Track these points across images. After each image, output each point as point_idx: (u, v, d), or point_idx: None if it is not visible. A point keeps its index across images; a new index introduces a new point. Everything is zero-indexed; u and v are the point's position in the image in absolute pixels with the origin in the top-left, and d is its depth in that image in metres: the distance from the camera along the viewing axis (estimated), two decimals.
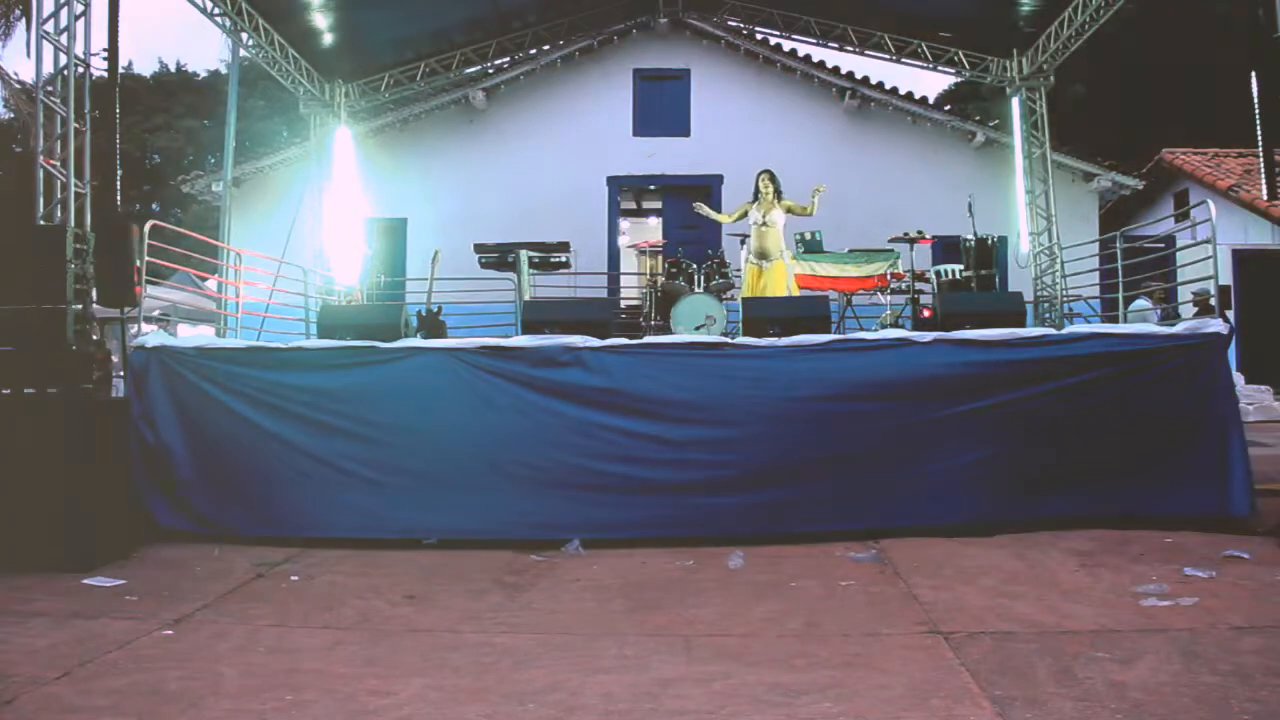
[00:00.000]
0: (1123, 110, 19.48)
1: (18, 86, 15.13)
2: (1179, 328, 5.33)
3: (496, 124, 12.88)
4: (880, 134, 12.72)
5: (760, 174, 8.19)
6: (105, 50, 8.36)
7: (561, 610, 3.87)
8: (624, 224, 14.76)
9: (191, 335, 7.69)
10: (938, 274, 8.60)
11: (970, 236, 8.43)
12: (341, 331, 5.90)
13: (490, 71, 12.68)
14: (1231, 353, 5.27)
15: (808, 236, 9.45)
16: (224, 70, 21.48)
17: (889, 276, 9.08)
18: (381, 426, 5.24)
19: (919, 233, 8.77)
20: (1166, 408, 5.08)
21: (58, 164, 5.38)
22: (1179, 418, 5.08)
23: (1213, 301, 6.43)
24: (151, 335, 5.67)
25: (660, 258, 11.61)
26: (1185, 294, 8.78)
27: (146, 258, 6.19)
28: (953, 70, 11.50)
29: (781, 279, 7.97)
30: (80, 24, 5.46)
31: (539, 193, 12.25)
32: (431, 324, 7.90)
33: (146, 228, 6.24)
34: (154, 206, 25.93)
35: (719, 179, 12.45)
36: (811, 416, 5.14)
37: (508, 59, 12.48)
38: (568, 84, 12.90)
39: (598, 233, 12.62)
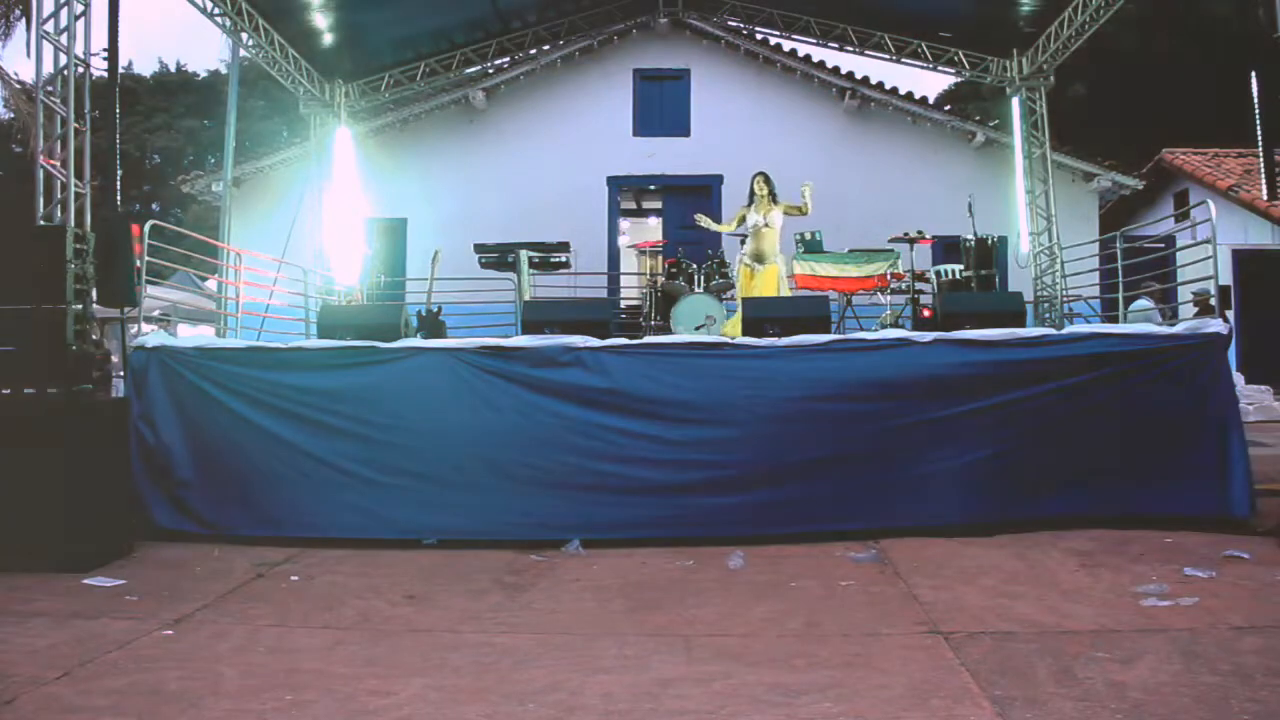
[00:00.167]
0: (1123, 110, 19.48)
1: (18, 86, 15.12)
2: (1179, 328, 5.33)
3: (496, 124, 12.87)
4: (880, 134, 12.72)
5: (755, 176, 8.17)
6: (105, 50, 8.36)
7: (561, 610, 3.87)
8: (624, 224, 14.76)
9: (191, 335, 7.69)
10: (938, 274, 8.60)
11: (970, 236, 8.43)
12: (341, 331, 5.90)
13: (490, 71, 12.68)
14: (1231, 353, 5.27)
15: (808, 236, 9.45)
16: (224, 70, 21.46)
17: (889, 276, 9.07)
18: (381, 426, 5.24)
19: (919, 233, 8.77)
20: (1166, 408, 5.08)
21: (58, 164, 5.38)
22: (1179, 418, 5.08)
23: (1213, 301, 6.43)
24: (151, 335, 5.68)
25: (660, 258, 11.62)
26: (1185, 294, 8.78)
27: (146, 258, 6.20)
28: (953, 70, 11.50)
29: (774, 282, 7.94)
30: (80, 24, 5.46)
31: (539, 193, 12.25)
32: (431, 324, 7.90)
33: (146, 228, 6.25)
34: (154, 206, 25.94)
35: (719, 179, 12.46)
36: (811, 416, 5.14)
37: (508, 59, 12.47)
38: (568, 84, 12.90)
39: (598, 233, 12.62)
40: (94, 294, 5.17)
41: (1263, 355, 11.51)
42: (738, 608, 3.83)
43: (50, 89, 5.43)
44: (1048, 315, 10.32)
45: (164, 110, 27.34)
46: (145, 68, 29.56)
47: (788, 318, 5.88)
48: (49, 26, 5.40)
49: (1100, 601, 3.76)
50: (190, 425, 5.33)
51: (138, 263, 5.96)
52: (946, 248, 10.20)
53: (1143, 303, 9.08)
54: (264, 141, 16.19)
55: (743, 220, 8.21)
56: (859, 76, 12.65)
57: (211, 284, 11.78)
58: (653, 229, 15.02)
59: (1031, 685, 2.84)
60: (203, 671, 3.08)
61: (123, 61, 12.12)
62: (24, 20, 14.73)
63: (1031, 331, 5.38)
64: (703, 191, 12.76)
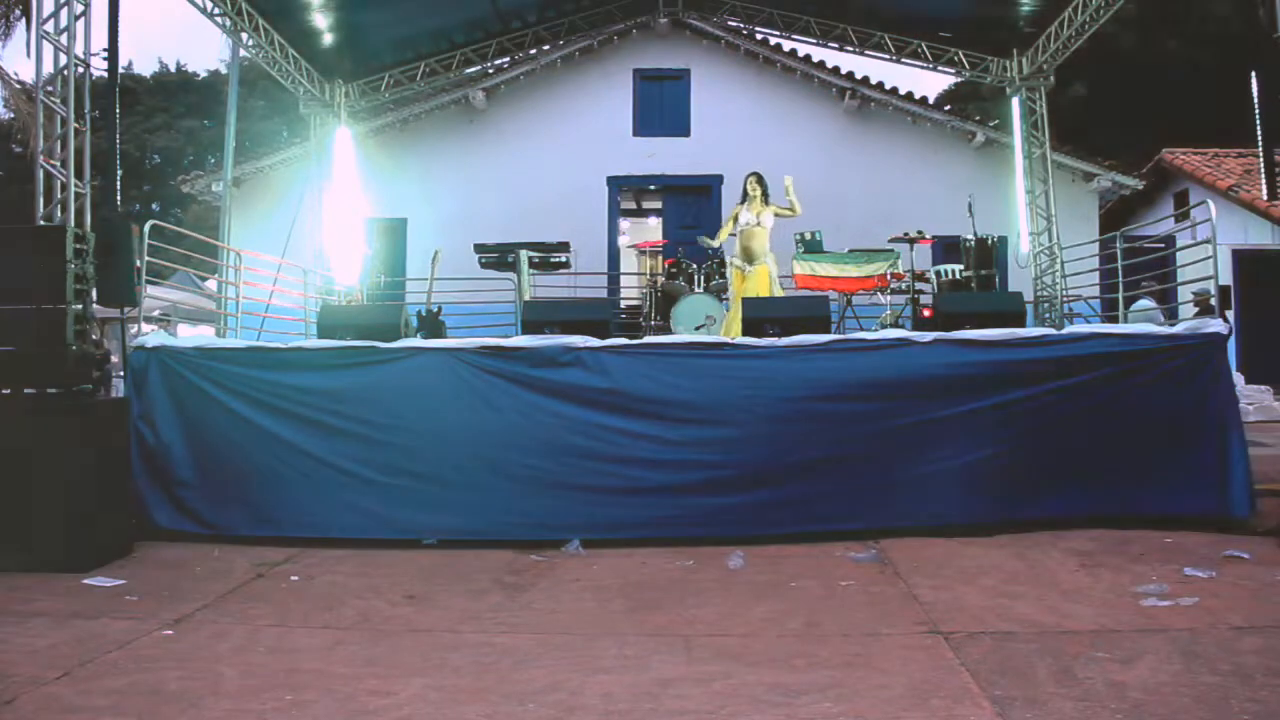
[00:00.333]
0: (1123, 110, 19.49)
1: (18, 86, 15.12)
2: (1179, 328, 5.33)
3: (496, 124, 12.87)
4: (880, 134, 12.71)
5: (749, 176, 8.12)
6: (105, 50, 8.36)
7: (561, 610, 3.87)
8: (624, 224, 14.76)
9: (191, 335, 7.69)
10: (938, 274, 8.60)
11: (970, 236, 8.43)
12: (341, 331, 5.90)
13: (490, 71, 12.68)
14: (1231, 353, 5.27)
15: (808, 236, 9.44)
16: (224, 70, 21.48)
17: (889, 276, 9.07)
18: (381, 426, 5.24)
19: (919, 233, 8.76)
20: (1166, 408, 5.08)
21: (58, 164, 5.38)
22: (1179, 418, 5.08)
23: (1213, 302, 6.43)
24: (151, 335, 5.68)
25: (660, 258, 11.62)
26: (1185, 294, 8.78)
27: (146, 258, 6.20)
28: (953, 70, 11.49)
29: (765, 282, 7.85)
30: (80, 24, 5.46)
31: (539, 193, 12.25)
32: (431, 324, 7.90)
33: (146, 228, 6.25)
34: (154, 206, 25.95)
35: (719, 179, 12.46)
36: (811, 416, 5.14)
37: (508, 59, 12.47)
38: (568, 84, 12.90)
39: (598, 233, 12.61)
40: (94, 294, 5.17)
41: (1263, 355, 11.52)
42: (738, 608, 3.83)
43: (50, 89, 5.43)
44: (1048, 315, 10.32)
45: (164, 110, 27.35)
46: (145, 68, 29.59)
47: (788, 318, 5.88)
48: (49, 26, 5.40)
49: (1100, 601, 3.76)
50: (190, 425, 5.33)
51: (138, 262, 5.97)
52: (946, 248, 10.20)
53: (1145, 303, 9.08)
54: (264, 141, 16.20)
55: (735, 219, 8.13)
56: (859, 76, 12.65)
57: (211, 284, 11.78)
58: (653, 229, 15.02)
59: (1031, 685, 2.85)
60: (203, 671, 3.08)
61: (123, 61, 12.12)
62: (24, 20, 14.72)
63: (1031, 331, 5.38)
64: (703, 191, 12.76)
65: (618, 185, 13.06)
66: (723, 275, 8.42)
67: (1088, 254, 9.79)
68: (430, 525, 5.12)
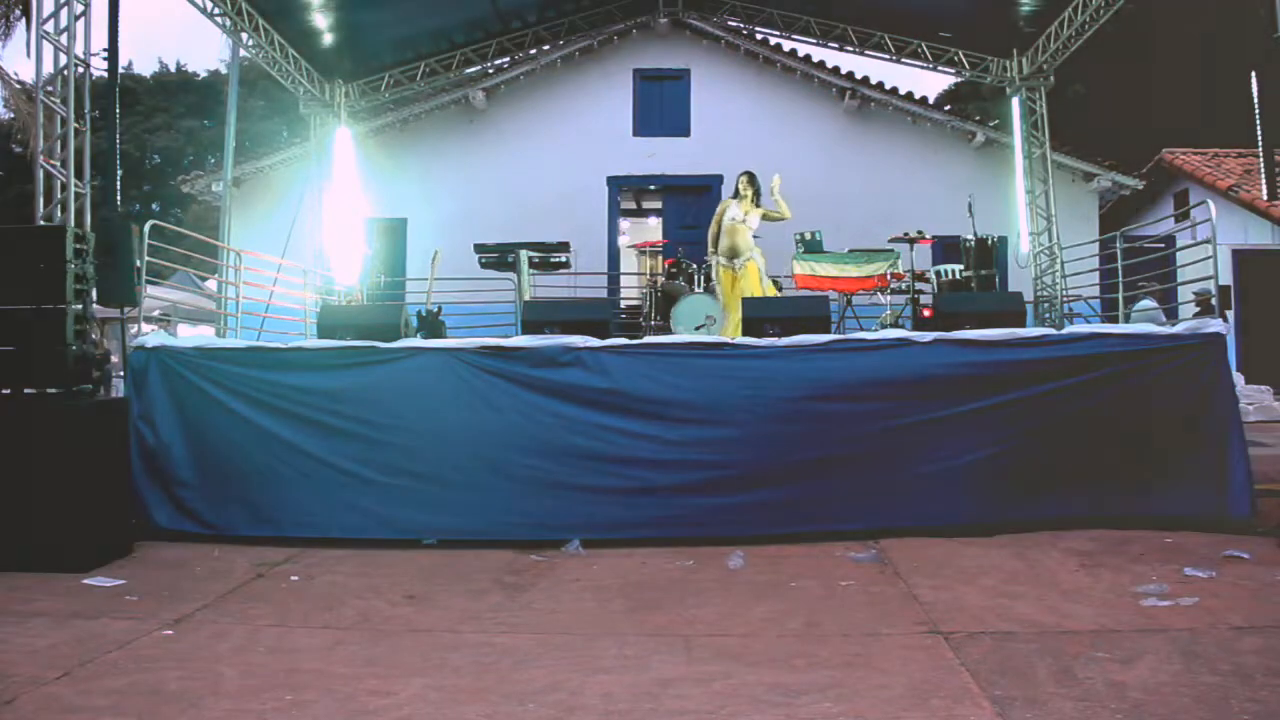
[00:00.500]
0: (1123, 110, 19.48)
1: (18, 86, 15.12)
2: (1179, 328, 5.34)
3: (496, 124, 12.87)
4: (880, 134, 12.71)
5: (741, 175, 7.97)
6: (105, 50, 8.37)
7: (561, 610, 3.87)
8: (624, 224, 14.76)
9: (191, 335, 7.69)
10: (938, 274, 8.60)
11: (970, 236, 8.43)
12: (341, 331, 5.90)
13: (490, 71, 12.68)
14: (1231, 353, 5.27)
15: (808, 236, 9.44)
16: (224, 70, 21.47)
17: (889, 276, 9.07)
18: (381, 426, 5.24)
19: (919, 233, 8.77)
20: (1166, 408, 5.08)
21: (58, 164, 5.38)
22: (1179, 418, 5.08)
23: (1213, 301, 6.43)
24: (151, 335, 5.68)
25: (660, 258, 11.61)
26: (1185, 294, 8.78)
27: (146, 258, 6.20)
28: (953, 70, 11.50)
29: (755, 279, 7.72)
30: (80, 24, 5.46)
31: (539, 193, 12.25)
32: (431, 324, 7.90)
33: (146, 228, 6.25)
34: (154, 206, 25.95)
35: (719, 179, 12.45)
36: (811, 416, 5.14)
37: (508, 59, 12.48)
38: (568, 84, 12.90)
39: (598, 233, 12.61)
40: (94, 294, 5.17)
41: (1263, 355, 11.52)
42: (738, 608, 3.83)
43: (50, 89, 5.43)
44: (1048, 315, 10.33)
45: (164, 110, 27.35)
46: (145, 68, 29.60)
47: (788, 318, 5.88)
48: (49, 26, 5.40)
49: (1100, 601, 3.76)
50: (190, 425, 5.33)
51: (138, 262, 5.97)
52: (946, 248, 10.20)
53: (1147, 302, 9.09)
54: (264, 141, 16.20)
55: (724, 212, 7.93)
56: (859, 76, 12.65)
57: (211, 284, 11.79)
58: (653, 229, 15.01)
59: (1031, 685, 2.84)
60: (203, 671, 3.08)
61: (123, 61, 12.12)
62: (24, 20, 14.72)
63: (1031, 331, 5.38)
64: (703, 191, 12.75)
65: (618, 185, 13.06)
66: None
67: (1088, 254, 9.79)
68: (430, 525, 5.12)
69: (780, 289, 9.02)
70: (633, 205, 15.89)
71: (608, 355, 5.29)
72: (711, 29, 12.75)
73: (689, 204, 12.92)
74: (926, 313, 7.76)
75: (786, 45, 12.57)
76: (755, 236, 9.16)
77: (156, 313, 9.70)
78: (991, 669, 3.00)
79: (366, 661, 3.21)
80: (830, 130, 12.76)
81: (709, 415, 5.17)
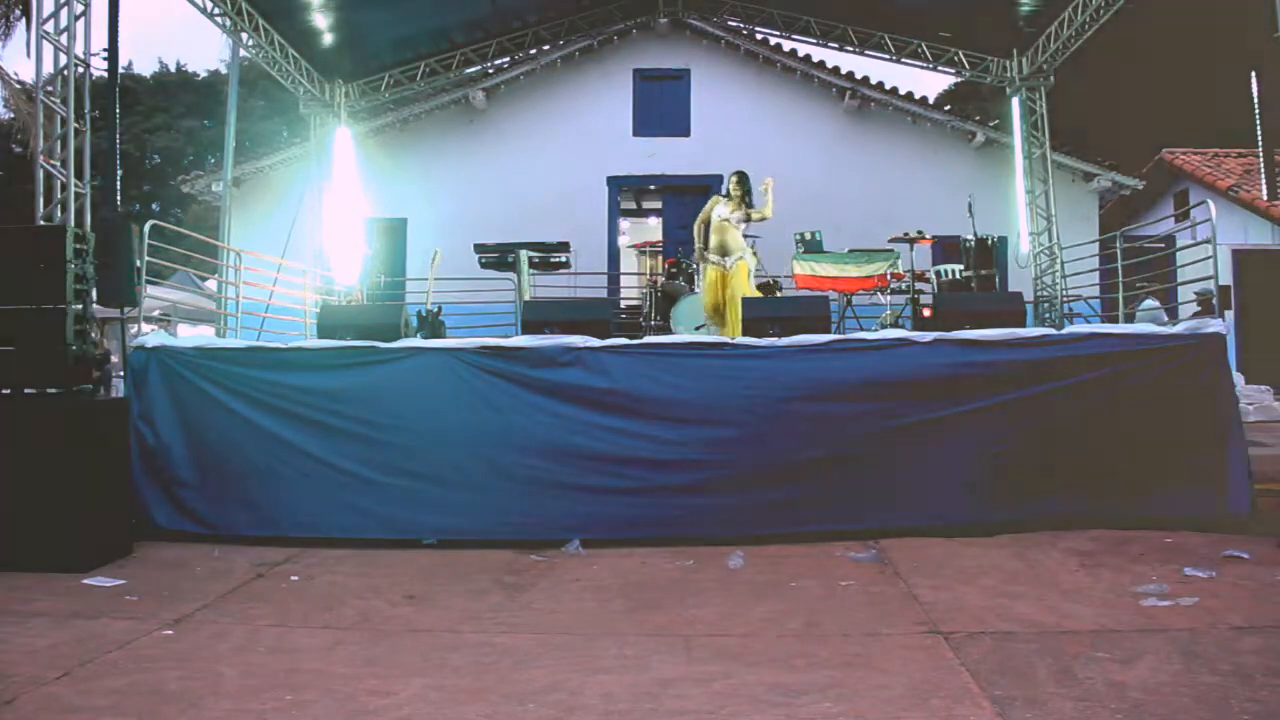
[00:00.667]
0: (1123, 110, 19.48)
1: (18, 86, 15.12)
2: (1179, 328, 5.34)
3: (496, 124, 12.88)
4: (880, 134, 12.72)
5: (733, 174, 7.86)
6: (105, 50, 8.37)
7: (561, 610, 3.87)
8: (624, 224, 14.76)
9: (191, 335, 7.70)
10: (938, 274, 8.61)
11: (970, 236, 8.43)
12: (341, 331, 5.90)
13: (490, 71, 12.68)
14: (1231, 353, 5.27)
15: (808, 236, 9.45)
16: (224, 70, 21.47)
17: (889, 276, 9.07)
18: (381, 426, 5.24)
19: (919, 233, 8.77)
20: (1166, 407, 5.08)
21: (58, 164, 5.38)
22: (1179, 418, 5.08)
23: (1214, 301, 6.44)
24: (151, 335, 5.68)
25: (660, 258, 11.61)
26: (1185, 294, 8.78)
27: (146, 258, 6.20)
28: (953, 70, 11.50)
29: (745, 279, 7.57)
30: (80, 24, 5.46)
31: (539, 193, 12.25)
32: (431, 324, 7.90)
33: (146, 228, 6.25)
34: (154, 206, 25.94)
35: (719, 179, 12.41)
36: (811, 416, 5.14)
37: (508, 59, 12.48)
38: (568, 84, 12.90)
39: (598, 233, 12.62)
40: (94, 294, 5.17)
41: (1263, 355, 11.51)
42: (738, 608, 3.83)
43: (50, 89, 5.43)
44: (1048, 315, 10.33)
45: (164, 110, 27.33)
46: (145, 68, 29.56)
47: (787, 318, 5.88)
48: (49, 26, 5.40)
49: (1100, 601, 3.76)
50: (190, 425, 5.33)
51: (138, 262, 5.97)
52: (946, 248, 10.20)
53: (1150, 303, 9.09)
54: (264, 141, 16.19)
55: (712, 209, 7.79)
56: (859, 76, 12.65)
57: (211, 284, 11.79)
58: (653, 229, 15.02)
59: (1031, 685, 2.84)
60: (203, 671, 3.08)
61: (123, 61, 12.12)
62: (24, 20, 14.73)
63: (1031, 331, 5.38)
64: (703, 191, 12.70)
65: (618, 185, 13.06)
66: None
67: (1088, 254, 9.79)
68: (430, 525, 5.12)
69: (780, 289, 9.02)
70: (633, 205, 15.90)
71: (608, 355, 5.29)
72: (711, 29, 12.75)
73: (689, 204, 12.90)
74: (926, 313, 7.76)
75: (786, 45, 12.57)
76: (755, 237, 9.17)
77: (156, 313, 9.70)
78: (991, 669, 3.00)
79: (366, 661, 3.21)
80: (830, 130, 12.76)
81: (709, 415, 5.17)
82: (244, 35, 9.17)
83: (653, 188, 13.64)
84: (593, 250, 12.25)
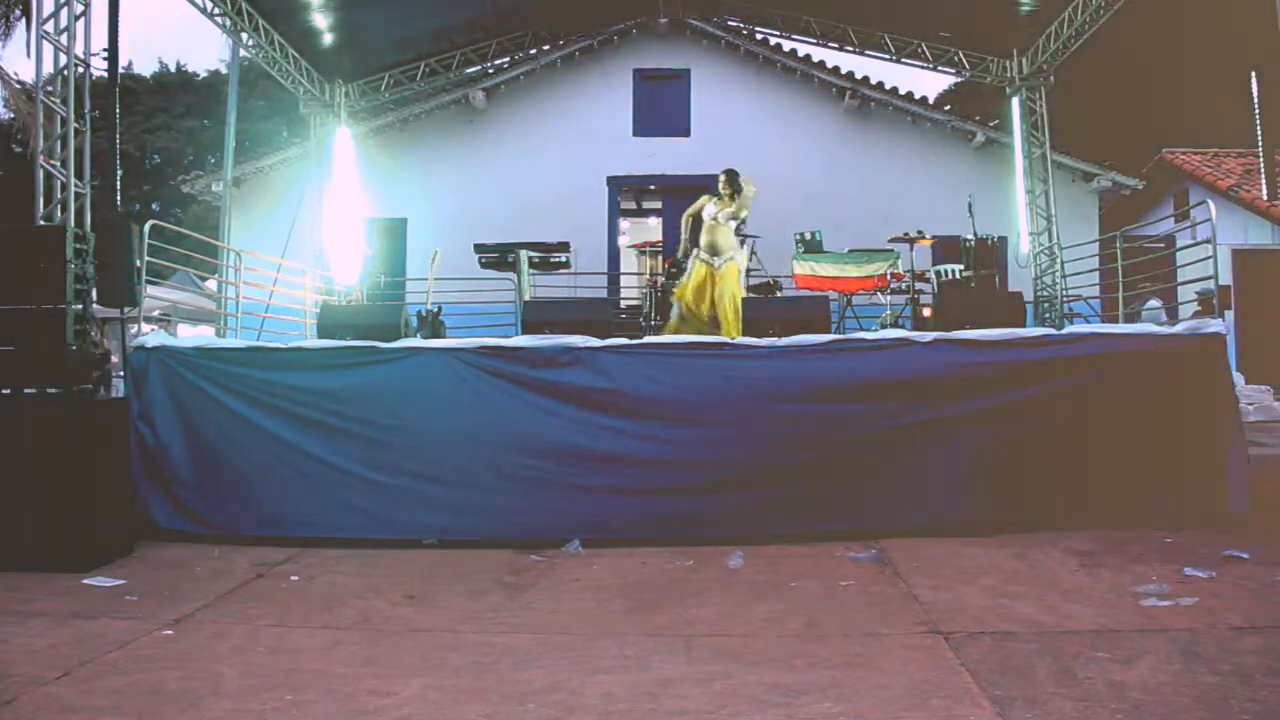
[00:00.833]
0: (1123, 110, 19.47)
1: (18, 86, 15.12)
2: (1178, 328, 5.34)
3: (496, 124, 12.87)
4: (880, 134, 12.71)
5: (722, 172, 7.72)
6: (105, 50, 8.37)
7: (561, 610, 3.87)
8: (624, 224, 14.75)
9: (191, 335, 7.69)
10: (938, 274, 8.60)
11: (970, 236, 8.43)
12: (341, 331, 5.91)
13: (490, 71, 12.67)
14: (1231, 353, 5.27)
15: (808, 236, 9.45)
16: (224, 70, 21.48)
17: (889, 276, 9.07)
18: (381, 426, 5.24)
19: (919, 233, 8.76)
20: (1166, 407, 5.08)
21: (58, 164, 5.38)
22: (1179, 417, 5.08)
23: (1214, 301, 6.44)
24: (151, 335, 5.68)
25: (660, 258, 11.60)
26: (1186, 293, 8.78)
27: (146, 258, 6.20)
28: (953, 70, 11.49)
29: (734, 280, 7.38)
30: (80, 24, 5.46)
31: (539, 193, 12.24)
32: (431, 324, 7.90)
33: (146, 228, 6.25)
34: (154, 206, 25.92)
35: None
36: (811, 417, 5.14)
37: (508, 59, 12.46)
38: (568, 84, 12.89)
39: (598, 233, 12.60)
40: (94, 294, 5.17)
41: (1263, 355, 11.50)
42: (738, 608, 3.83)
43: (50, 89, 5.43)
44: (1048, 315, 10.32)
45: (164, 110, 27.31)
46: (145, 68, 29.52)
47: (787, 318, 5.88)
48: (49, 26, 5.40)
49: (1100, 601, 3.76)
50: (190, 425, 5.33)
51: (138, 262, 5.97)
52: (946, 248, 10.19)
53: (1154, 302, 9.09)
54: (264, 141, 16.20)
55: (701, 209, 7.66)
56: (859, 76, 12.64)
57: (211, 284, 11.78)
58: (653, 229, 15.01)
59: (1031, 685, 2.84)
60: (203, 671, 3.08)
61: (123, 61, 12.12)
62: (24, 20, 14.74)
63: (1031, 331, 5.38)
64: (703, 191, 12.69)
65: (618, 185, 13.05)
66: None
67: (1088, 254, 9.79)
68: (430, 525, 5.12)
69: (780, 289, 9.02)
70: (633, 205, 15.88)
71: (608, 355, 5.30)
72: (711, 29, 12.74)
73: (689, 204, 12.89)
74: (926, 313, 7.76)
75: (786, 45, 12.56)
76: (755, 236, 9.17)
77: (156, 313, 9.69)
78: (991, 669, 3.00)
79: (366, 661, 3.21)
80: (830, 130, 12.75)
81: (709, 415, 5.17)
82: (244, 35, 9.16)
83: (653, 188, 13.63)
84: (593, 250, 12.23)
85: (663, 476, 5.11)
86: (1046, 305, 10.48)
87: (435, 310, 8.25)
